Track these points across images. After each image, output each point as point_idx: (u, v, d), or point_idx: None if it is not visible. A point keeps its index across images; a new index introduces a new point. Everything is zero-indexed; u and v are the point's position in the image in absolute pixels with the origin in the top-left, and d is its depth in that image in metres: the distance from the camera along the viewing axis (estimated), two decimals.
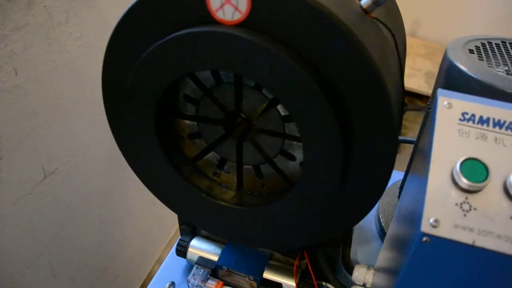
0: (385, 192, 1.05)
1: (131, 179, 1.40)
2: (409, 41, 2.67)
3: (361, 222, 0.99)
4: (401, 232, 0.56)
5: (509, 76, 0.65)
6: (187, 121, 0.63)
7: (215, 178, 0.66)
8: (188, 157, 0.65)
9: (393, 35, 0.57)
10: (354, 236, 0.95)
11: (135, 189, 1.42)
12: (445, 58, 0.72)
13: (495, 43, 0.76)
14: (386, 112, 0.48)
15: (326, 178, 0.52)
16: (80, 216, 1.28)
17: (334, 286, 0.77)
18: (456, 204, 0.46)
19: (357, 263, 0.77)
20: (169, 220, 1.68)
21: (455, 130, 0.49)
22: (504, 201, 0.45)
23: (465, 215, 0.45)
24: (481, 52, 0.72)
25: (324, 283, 0.79)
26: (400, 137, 0.91)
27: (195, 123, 0.63)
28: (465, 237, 0.44)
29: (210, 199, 0.63)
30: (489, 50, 0.74)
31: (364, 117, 0.49)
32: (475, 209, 0.45)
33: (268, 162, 0.61)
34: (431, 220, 0.45)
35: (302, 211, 0.57)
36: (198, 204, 0.64)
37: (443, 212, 0.45)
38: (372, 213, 1.02)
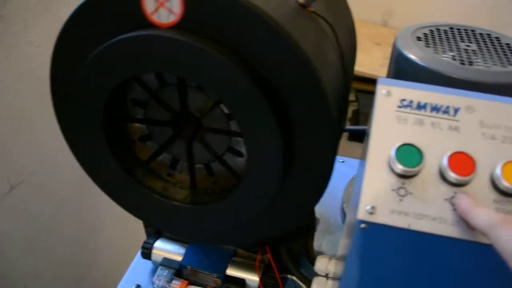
0: (348, 182, 1.06)
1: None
2: (381, 31, 2.69)
3: (327, 213, 1.01)
4: (351, 219, 0.58)
5: (455, 62, 0.66)
6: (137, 124, 0.63)
7: (169, 178, 0.67)
8: (141, 160, 0.65)
9: (333, 29, 0.59)
10: (320, 228, 0.96)
11: (107, 197, 1.41)
12: (394, 46, 0.73)
13: (443, 30, 0.77)
14: (322, 103, 0.49)
15: (269, 172, 0.53)
16: (52, 227, 1.27)
17: (297, 278, 0.78)
18: (393, 190, 0.47)
19: (323, 254, 0.78)
20: (140, 225, 1.67)
21: (393, 117, 0.50)
22: (439, 184, 0.46)
23: (401, 200, 0.46)
24: (428, 39, 0.73)
25: (289, 276, 0.80)
26: (351, 127, 0.93)
27: (145, 126, 0.63)
28: (400, 222, 0.45)
29: (164, 200, 0.64)
30: (436, 37, 0.75)
31: (300, 110, 0.50)
32: (411, 193, 0.46)
33: (217, 160, 0.62)
34: (368, 207, 0.46)
35: (250, 206, 0.58)
36: (155, 206, 0.65)
37: (379, 198, 0.47)
38: (338, 203, 1.03)
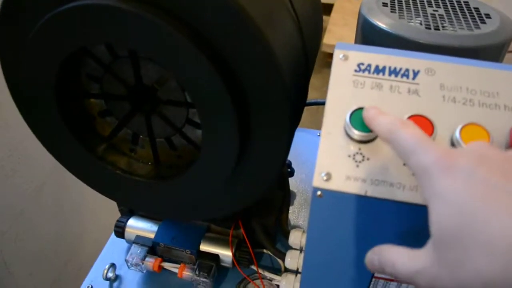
0: None
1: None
2: None
3: (305, 187, 1.00)
4: None
5: (421, 27, 0.64)
6: (95, 100, 0.61)
7: (132, 154, 0.65)
8: (103, 136, 0.63)
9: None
10: (297, 201, 0.96)
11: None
12: (359, 13, 0.71)
13: None
14: (272, 67, 0.47)
15: (225, 142, 0.52)
16: (33, 209, 1.26)
17: (271, 252, 0.77)
18: (349, 156, 0.45)
19: (300, 228, 0.77)
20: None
21: (350, 81, 0.49)
22: None
23: (357, 166, 0.45)
24: (394, 4, 0.72)
25: (264, 251, 0.79)
26: (315, 100, 0.91)
27: (103, 101, 0.61)
28: (357, 188, 0.44)
29: (129, 176, 0.62)
30: (403, 2, 0.73)
31: (251, 77, 0.48)
32: (368, 159, 0.45)
33: (177, 133, 0.60)
34: (323, 174, 0.45)
35: (210, 178, 0.57)
36: (120, 183, 0.64)
37: (335, 165, 0.45)
38: None
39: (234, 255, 0.75)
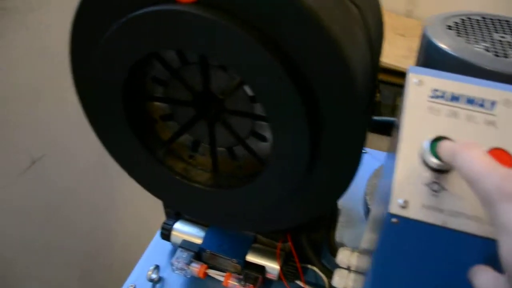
0: (373, 174, 1.03)
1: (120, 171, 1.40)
2: (405, 22, 2.61)
3: (349, 205, 0.98)
4: (378, 213, 0.55)
5: (488, 53, 0.62)
6: (158, 103, 0.61)
7: (191, 160, 0.64)
8: (163, 140, 0.63)
9: (360, 11, 0.55)
10: (341, 219, 0.94)
11: (126, 175, 1.41)
12: (423, 34, 0.69)
13: (475, 19, 0.73)
14: (351, 88, 0.46)
15: (295, 159, 0.51)
16: (73, 201, 1.28)
17: (318, 269, 0.75)
18: (426, 184, 0.44)
19: (344, 246, 0.76)
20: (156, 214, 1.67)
21: (425, 107, 0.47)
22: None
23: (435, 195, 0.43)
24: (460, 28, 0.70)
25: (309, 266, 0.78)
26: (378, 118, 0.89)
27: (167, 105, 0.61)
28: (434, 218, 0.43)
29: (185, 182, 0.62)
30: (468, 27, 0.71)
31: (328, 95, 0.47)
32: (445, 189, 0.43)
33: (240, 144, 0.59)
34: (400, 201, 0.43)
35: (273, 193, 0.55)
36: (176, 187, 0.63)
37: (412, 192, 0.44)
38: (360, 195, 1.00)
39: (281, 268, 0.74)
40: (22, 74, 1.01)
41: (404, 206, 0.42)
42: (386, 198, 0.45)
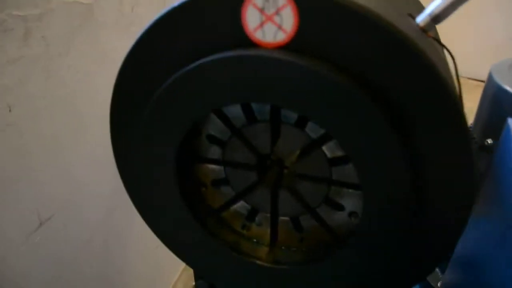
0: None
1: (132, 220, 1.30)
2: None
3: None
4: None
5: None
6: (211, 166, 0.53)
7: (244, 231, 0.56)
8: (212, 208, 0.55)
9: (452, 56, 0.49)
10: None
11: (137, 232, 1.31)
12: (490, 82, 0.69)
13: None
14: (464, 135, 0.39)
15: (392, 227, 0.43)
16: (78, 265, 1.17)
17: None
18: None
19: None
20: (172, 263, 1.56)
21: None
22: None
23: None
24: None
25: None
26: None
27: (221, 168, 0.53)
28: None
29: (241, 257, 0.53)
30: None
31: (438, 146, 0.40)
32: None
33: (309, 213, 0.51)
34: None
35: (360, 268, 0.47)
36: (224, 262, 0.54)
37: None
38: None
39: None
40: (42, 126, 0.94)
41: None
42: None
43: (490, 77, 0.69)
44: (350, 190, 0.48)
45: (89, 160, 1.11)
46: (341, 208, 0.50)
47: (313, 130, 0.46)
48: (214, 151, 0.52)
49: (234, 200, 0.54)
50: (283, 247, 0.55)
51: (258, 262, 0.52)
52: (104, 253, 1.28)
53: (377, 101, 0.38)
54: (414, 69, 0.37)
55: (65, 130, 1.03)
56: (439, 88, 0.37)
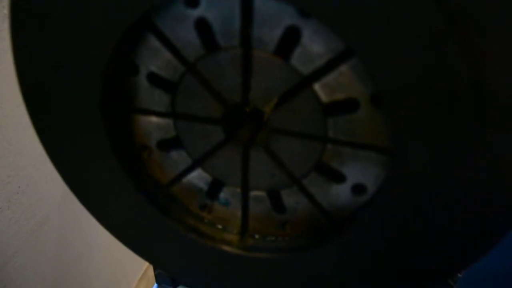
0: None
1: None
2: None
3: None
4: None
5: None
6: (155, 120, 0.38)
7: (204, 214, 0.41)
8: (157, 180, 0.40)
9: None
10: None
11: (93, 224, 1.17)
12: None
13: None
14: None
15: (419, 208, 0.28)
16: (33, 247, 1.02)
17: None
18: None
19: None
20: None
21: None
22: None
23: None
24: None
25: None
26: None
27: (170, 123, 0.38)
28: None
29: (203, 241, 0.38)
30: None
31: None
32: None
33: (295, 185, 0.36)
34: None
35: (358, 264, 0.33)
36: (180, 250, 0.40)
37: None
38: None
39: None
40: None
41: None
42: None
43: None
44: (355, 151, 0.33)
45: (32, 134, 0.95)
46: (341, 178, 0.35)
47: (301, 60, 0.30)
48: (160, 99, 0.36)
49: (189, 169, 0.38)
50: (257, 236, 0.40)
51: (226, 248, 0.37)
52: (63, 234, 1.15)
53: None
54: None
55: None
56: None
